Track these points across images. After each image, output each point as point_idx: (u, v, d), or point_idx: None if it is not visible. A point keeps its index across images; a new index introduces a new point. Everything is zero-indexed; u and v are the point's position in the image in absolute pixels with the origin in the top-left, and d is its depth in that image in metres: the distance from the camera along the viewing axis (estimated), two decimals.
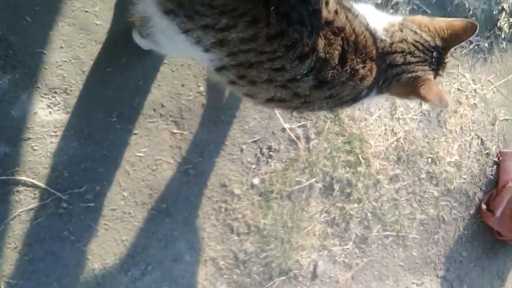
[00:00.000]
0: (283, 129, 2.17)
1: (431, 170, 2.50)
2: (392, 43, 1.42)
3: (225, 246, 2.13)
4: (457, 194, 2.61)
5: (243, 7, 1.15)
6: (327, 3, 1.27)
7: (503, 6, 2.54)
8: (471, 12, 2.47)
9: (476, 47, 2.55)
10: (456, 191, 2.60)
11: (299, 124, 2.19)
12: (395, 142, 2.39)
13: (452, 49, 1.54)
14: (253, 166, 2.15)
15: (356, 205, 2.36)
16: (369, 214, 2.40)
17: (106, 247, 1.95)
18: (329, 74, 1.29)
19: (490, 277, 2.73)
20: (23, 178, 1.79)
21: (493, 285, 2.74)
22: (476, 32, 1.50)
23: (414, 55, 1.43)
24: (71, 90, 1.80)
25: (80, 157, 1.85)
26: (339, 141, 2.27)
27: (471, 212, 2.68)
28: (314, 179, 2.25)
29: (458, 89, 2.54)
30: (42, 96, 1.77)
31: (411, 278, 2.53)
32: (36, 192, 1.82)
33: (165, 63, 1.91)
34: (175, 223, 2.03)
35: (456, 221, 2.64)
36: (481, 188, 2.68)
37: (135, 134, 1.91)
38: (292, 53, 1.22)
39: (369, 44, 1.37)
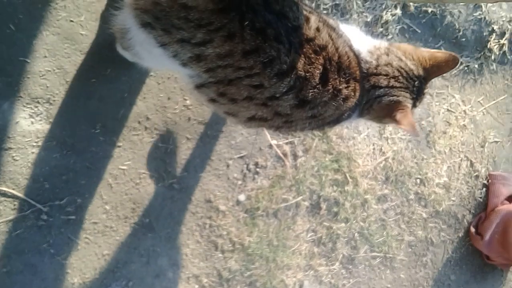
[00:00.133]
0: (270, 146, 2.15)
1: (419, 191, 2.48)
2: (377, 65, 1.43)
3: (208, 264, 2.09)
4: (446, 216, 2.59)
5: (219, 21, 1.14)
6: (307, 20, 1.26)
7: (493, 28, 2.55)
8: (460, 33, 2.47)
9: (466, 68, 2.55)
10: (445, 213, 2.58)
11: (287, 141, 2.17)
12: (384, 162, 2.37)
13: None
14: (239, 182, 2.12)
15: (343, 224, 2.33)
16: (356, 234, 2.36)
17: (86, 261, 1.90)
18: (310, 94, 1.27)
19: None
20: (3, 188, 1.76)
21: None
22: (457, 65, 1.54)
23: (398, 80, 1.44)
24: (54, 100, 1.77)
25: (61, 168, 1.82)
26: (326, 159, 2.24)
27: (460, 235, 2.66)
28: (301, 197, 2.22)
29: (448, 110, 2.53)
30: (24, 106, 1.75)
31: None
32: (15, 203, 1.78)
33: (151, 75, 1.89)
34: (158, 238, 1.99)
35: (444, 243, 2.62)
36: (470, 211, 2.66)
37: (119, 146, 1.88)
38: (270, 70, 1.20)
39: (353, 64, 1.36)
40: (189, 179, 2.02)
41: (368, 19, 2.26)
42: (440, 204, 2.55)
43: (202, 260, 2.08)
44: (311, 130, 1.48)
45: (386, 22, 2.29)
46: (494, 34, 2.57)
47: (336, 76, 1.30)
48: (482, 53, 2.58)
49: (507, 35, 2.60)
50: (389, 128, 2.38)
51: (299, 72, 1.23)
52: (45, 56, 1.74)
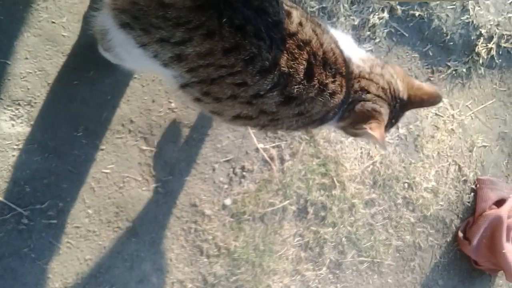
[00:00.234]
0: (257, 149, 2.12)
1: (407, 196, 2.46)
2: (371, 72, 1.43)
3: (193, 269, 2.06)
4: (434, 221, 2.57)
5: (197, 19, 1.12)
6: (289, 15, 1.23)
7: (481, 32, 2.54)
8: (448, 37, 2.46)
9: (454, 72, 2.53)
10: (433, 217, 2.56)
11: (274, 144, 2.15)
12: (371, 166, 2.35)
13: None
14: (225, 186, 2.09)
15: (330, 229, 2.30)
16: (343, 239, 2.34)
17: (68, 266, 1.86)
18: (295, 90, 1.25)
19: None
20: None
21: None
22: (438, 103, 1.60)
23: (385, 93, 1.44)
24: (35, 103, 1.74)
25: (43, 172, 1.78)
26: (314, 163, 2.22)
27: (448, 240, 2.64)
28: (287, 201, 2.20)
29: (436, 114, 2.52)
30: (5, 108, 1.71)
31: None
32: None
33: (135, 77, 1.86)
34: (142, 243, 1.96)
35: (432, 248, 2.59)
36: (458, 215, 2.64)
37: (102, 149, 1.85)
38: (252, 67, 1.18)
39: (339, 61, 1.34)
40: (174, 183, 1.99)
41: (355, 23, 2.24)
42: (428, 208, 2.52)
43: (187, 265, 2.04)
44: (298, 128, 1.46)
45: (374, 25, 2.27)
46: (482, 38, 2.56)
47: (321, 71, 1.28)
48: (470, 57, 2.56)
49: (495, 39, 2.59)
50: None
51: (282, 68, 1.20)
52: (26, 58, 1.71)
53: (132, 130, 1.88)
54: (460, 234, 2.62)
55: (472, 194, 2.66)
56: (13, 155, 1.73)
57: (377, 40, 2.31)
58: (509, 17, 2.62)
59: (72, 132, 1.80)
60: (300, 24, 1.25)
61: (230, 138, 2.07)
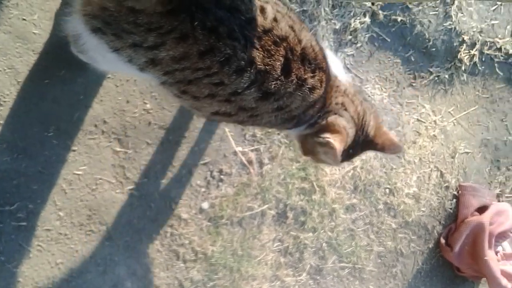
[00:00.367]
0: (235, 152, 2.04)
1: (388, 201, 2.38)
2: (354, 95, 1.47)
3: (169, 274, 1.97)
4: (416, 227, 2.49)
5: (169, 24, 1.07)
6: (263, 10, 1.18)
7: (463, 38, 2.47)
8: (431, 43, 2.39)
9: (436, 78, 2.46)
10: (415, 223, 2.48)
11: (252, 148, 2.07)
12: (352, 171, 2.27)
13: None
14: (203, 189, 2.01)
15: (310, 234, 2.22)
16: (324, 244, 2.26)
17: (39, 269, 1.78)
18: (273, 85, 1.21)
19: None
20: None
21: None
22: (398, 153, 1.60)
23: (358, 120, 1.45)
24: (4, 101, 1.66)
25: (12, 172, 1.70)
26: (293, 167, 2.14)
27: (430, 246, 2.56)
28: (266, 206, 2.11)
29: (418, 120, 2.45)
30: None
31: None
32: None
33: (108, 77, 1.78)
34: (116, 247, 1.87)
35: (414, 254, 2.51)
36: (440, 222, 2.56)
37: (74, 150, 1.77)
38: (228, 68, 1.14)
39: (319, 57, 1.31)
40: (149, 186, 1.90)
41: (337, 27, 2.17)
42: (410, 214, 2.45)
43: (163, 270, 1.96)
44: (278, 126, 1.43)
45: (355, 30, 2.20)
46: (464, 44, 2.50)
47: (299, 66, 1.25)
48: (453, 63, 2.50)
49: (477, 46, 2.52)
50: None
51: (258, 66, 1.17)
52: None
53: (106, 131, 1.80)
54: (442, 241, 2.55)
55: (454, 200, 2.59)
56: None
57: (358, 45, 2.24)
58: (492, 24, 2.56)
59: (43, 132, 1.72)
60: (275, 19, 1.20)
61: (207, 141, 1.99)
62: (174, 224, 1.96)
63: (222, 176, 2.03)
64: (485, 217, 2.51)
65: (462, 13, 2.46)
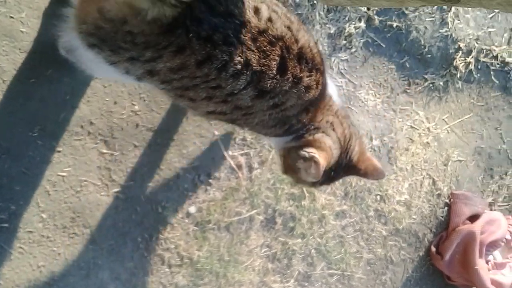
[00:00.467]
0: (225, 156, 2.01)
1: (379, 208, 2.36)
2: (344, 118, 1.49)
3: (154, 278, 1.95)
4: (406, 235, 2.47)
5: (166, 40, 1.09)
6: (257, 11, 1.19)
7: (459, 45, 2.45)
8: (426, 49, 2.37)
9: (431, 85, 2.45)
10: (405, 231, 2.46)
11: (242, 152, 2.04)
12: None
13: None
14: (190, 193, 1.98)
15: (299, 240, 2.20)
16: (313, 251, 2.24)
17: (20, 272, 1.75)
18: (268, 84, 1.22)
19: None
20: None
21: None
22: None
23: (344, 142, 1.46)
24: None
25: None
26: None
27: (421, 254, 2.54)
28: (255, 211, 2.09)
29: (411, 127, 2.43)
30: None
31: None
32: None
33: (96, 78, 1.74)
34: (99, 250, 1.84)
35: (404, 262, 2.50)
36: (431, 230, 2.54)
37: (59, 151, 1.74)
38: (225, 73, 1.16)
39: (317, 59, 1.32)
40: (136, 189, 1.88)
41: (331, 31, 2.15)
42: (401, 222, 2.43)
43: (147, 275, 1.93)
44: (269, 128, 1.41)
45: (350, 34, 2.18)
46: (460, 51, 2.48)
47: (295, 64, 1.25)
48: (448, 70, 2.48)
49: (473, 53, 2.50)
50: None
51: (254, 67, 1.18)
52: None
53: (92, 132, 1.78)
54: (433, 249, 2.54)
55: (446, 208, 2.58)
56: None
57: (353, 50, 2.22)
58: (489, 31, 2.54)
59: (28, 132, 1.69)
60: (270, 19, 1.20)
61: (196, 144, 1.96)
62: (160, 228, 1.94)
63: (210, 180, 2.01)
64: (477, 226, 2.49)
65: (458, 20, 2.44)
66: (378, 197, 2.36)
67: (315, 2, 2.06)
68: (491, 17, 2.54)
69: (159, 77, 1.18)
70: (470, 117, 2.60)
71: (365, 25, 2.21)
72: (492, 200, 2.72)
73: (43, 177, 1.73)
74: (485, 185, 2.71)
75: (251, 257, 2.12)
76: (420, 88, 2.43)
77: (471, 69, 2.53)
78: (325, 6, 2.10)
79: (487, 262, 2.57)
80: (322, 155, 1.35)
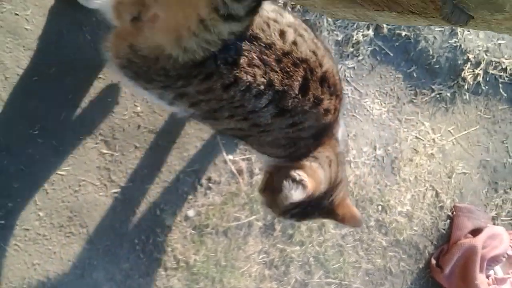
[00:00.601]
0: (226, 161, 2.02)
1: (380, 218, 2.37)
2: (342, 161, 1.53)
3: (149, 281, 1.97)
4: (407, 246, 2.47)
5: (197, 71, 1.14)
6: (282, 34, 1.22)
7: (468, 57, 2.45)
8: (434, 59, 2.37)
9: (438, 95, 2.44)
10: (406, 242, 2.46)
11: (243, 157, 2.05)
12: None
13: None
14: (189, 196, 2.00)
15: (298, 247, 2.20)
16: (311, 259, 2.25)
17: (15, 269, 1.77)
18: (289, 103, 1.26)
19: None
20: None
21: None
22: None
23: (332, 182, 1.48)
24: None
25: None
26: None
27: (420, 266, 2.54)
28: (254, 217, 2.10)
29: (416, 137, 2.43)
30: None
31: None
32: None
33: (99, 77, 1.76)
34: (95, 250, 1.86)
35: (403, 274, 2.50)
36: (432, 242, 2.54)
37: (58, 150, 1.76)
38: (248, 94, 1.20)
39: (338, 86, 1.37)
40: (134, 190, 1.89)
41: (339, 38, 2.15)
42: (401, 233, 2.43)
43: (142, 277, 1.95)
44: (279, 148, 1.43)
45: (358, 42, 2.19)
46: (469, 63, 2.48)
47: (317, 86, 1.29)
48: (456, 81, 2.48)
49: (482, 65, 2.50)
50: (353, 151, 2.27)
51: (276, 87, 1.22)
52: None
53: (93, 132, 1.79)
54: (433, 261, 2.54)
55: (448, 221, 2.58)
56: None
57: (360, 58, 2.22)
58: (499, 43, 2.54)
59: (28, 130, 1.71)
60: (295, 43, 1.24)
61: (197, 147, 1.97)
62: (158, 231, 1.95)
63: (210, 184, 2.02)
64: (478, 240, 2.49)
65: (468, 31, 2.44)
66: (380, 207, 2.36)
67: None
68: None
69: (188, 98, 1.23)
70: (476, 130, 2.60)
71: (373, 33, 2.21)
72: (495, 214, 2.72)
73: (41, 176, 1.75)
74: (489, 199, 2.71)
75: (248, 263, 2.12)
76: (426, 98, 2.43)
77: (479, 81, 2.53)
78: None
79: (487, 277, 2.57)
80: (311, 183, 1.36)
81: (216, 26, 0.99)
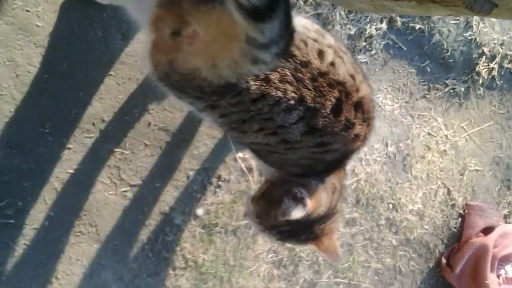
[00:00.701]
0: (236, 159, 2.14)
1: (391, 217, 2.50)
2: (344, 191, 1.62)
3: (157, 280, 2.08)
4: (417, 245, 2.61)
5: (230, 89, 1.21)
6: (321, 54, 1.30)
7: (483, 50, 2.57)
8: (449, 53, 2.49)
9: (451, 90, 2.57)
10: (416, 241, 2.60)
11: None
12: (355, 183, 2.38)
13: None
14: (199, 195, 2.11)
15: (307, 247, 2.32)
16: (320, 258, 2.37)
17: (24, 269, 1.88)
18: (320, 122, 1.32)
19: None
20: None
21: None
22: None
23: (331, 210, 1.55)
24: (2, 94, 1.75)
25: (3, 168, 1.79)
26: None
27: (431, 265, 2.68)
28: None
29: (429, 134, 2.55)
30: None
31: None
32: None
33: (110, 74, 1.87)
34: (104, 250, 1.98)
35: (413, 273, 2.64)
36: (442, 241, 2.68)
37: (69, 148, 1.86)
38: (277, 108, 1.27)
39: (372, 114, 1.42)
40: (144, 189, 2.01)
41: (352, 32, 2.26)
42: (412, 232, 2.57)
43: (151, 276, 2.07)
44: (300, 165, 1.48)
45: (371, 36, 2.30)
46: (484, 57, 2.60)
47: (351, 110, 1.34)
48: (470, 76, 2.60)
49: (497, 59, 2.62)
50: (365, 148, 2.38)
51: (308, 104, 1.28)
52: None
53: (103, 130, 1.90)
54: (444, 261, 2.66)
55: (460, 219, 2.71)
56: None
57: (373, 52, 2.33)
58: None
59: (39, 128, 1.81)
60: (333, 64, 1.31)
61: (208, 145, 2.08)
62: (167, 230, 2.07)
63: (220, 182, 2.14)
64: (490, 239, 2.62)
65: (483, 23, 2.55)
66: (391, 206, 2.50)
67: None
68: None
69: (220, 110, 1.31)
70: (490, 125, 2.73)
71: (386, 27, 2.32)
72: (508, 212, 2.86)
73: (51, 174, 1.85)
74: (501, 196, 2.84)
75: (257, 262, 2.25)
76: (440, 93, 2.55)
77: (494, 75, 2.65)
78: None
79: (498, 276, 2.68)
80: (312, 203, 1.43)
81: (248, 64, 1.07)
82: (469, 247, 2.62)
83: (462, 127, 2.65)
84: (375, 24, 2.29)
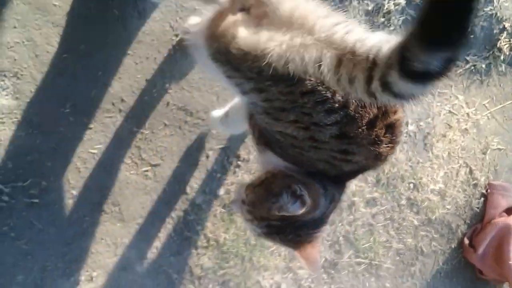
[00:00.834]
0: None
1: (412, 197, 2.49)
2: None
3: (180, 259, 2.11)
4: (439, 225, 2.60)
5: (287, 76, 1.20)
6: None
7: (504, 25, 2.54)
8: (469, 29, 2.45)
9: (472, 67, 2.55)
10: (438, 221, 2.59)
11: None
12: None
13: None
14: (219, 175, 2.13)
15: (327, 226, 2.32)
16: (341, 238, 2.38)
17: (49, 248, 1.91)
18: (353, 131, 1.33)
19: None
20: None
21: None
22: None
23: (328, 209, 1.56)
24: (22, 75, 1.77)
25: (26, 148, 1.82)
26: None
27: (453, 246, 2.67)
28: None
29: (450, 112, 2.54)
30: None
31: None
32: None
33: (128, 54, 1.89)
34: (127, 228, 2.01)
35: (435, 253, 2.63)
36: (465, 221, 2.67)
37: (90, 128, 1.89)
38: (321, 107, 1.28)
39: (399, 138, 1.41)
40: (165, 168, 2.03)
41: (369, 8, 2.25)
42: (434, 211, 2.56)
43: (173, 255, 2.09)
44: (315, 166, 1.47)
45: (389, 12, 2.29)
46: (505, 32, 2.57)
47: (383, 128, 1.35)
48: (491, 52, 2.57)
49: None
50: None
51: (349, 111, 1.29)
52: (15, 27, 1.74)
53: (123, 110, 1.92)
54: (466, 241, 2.66)
55: (482, 199, 2.69)
56: None
57: (391, 28, 2.32)
58: None
59: (59, 108, 1.84)
60: None
61: None
62: (188, 209, 2.09)
63: (239, 162, 2.15)
64: None
65: None
66: (412, 185, 2.49)
67: None
68: None
69: (266, 94, 1.30)
70: None
71: (405, 2, 2.30)
72: None
73: (74, 154, 1.88)
74: None
75: None
76: (461, 70, 2.53)
77: None
78: None
79: None
80: (310, 204, 1.42)
81: None
82: (492, 227, 2.61)
83: (483, 104, 2.63)
84: None
